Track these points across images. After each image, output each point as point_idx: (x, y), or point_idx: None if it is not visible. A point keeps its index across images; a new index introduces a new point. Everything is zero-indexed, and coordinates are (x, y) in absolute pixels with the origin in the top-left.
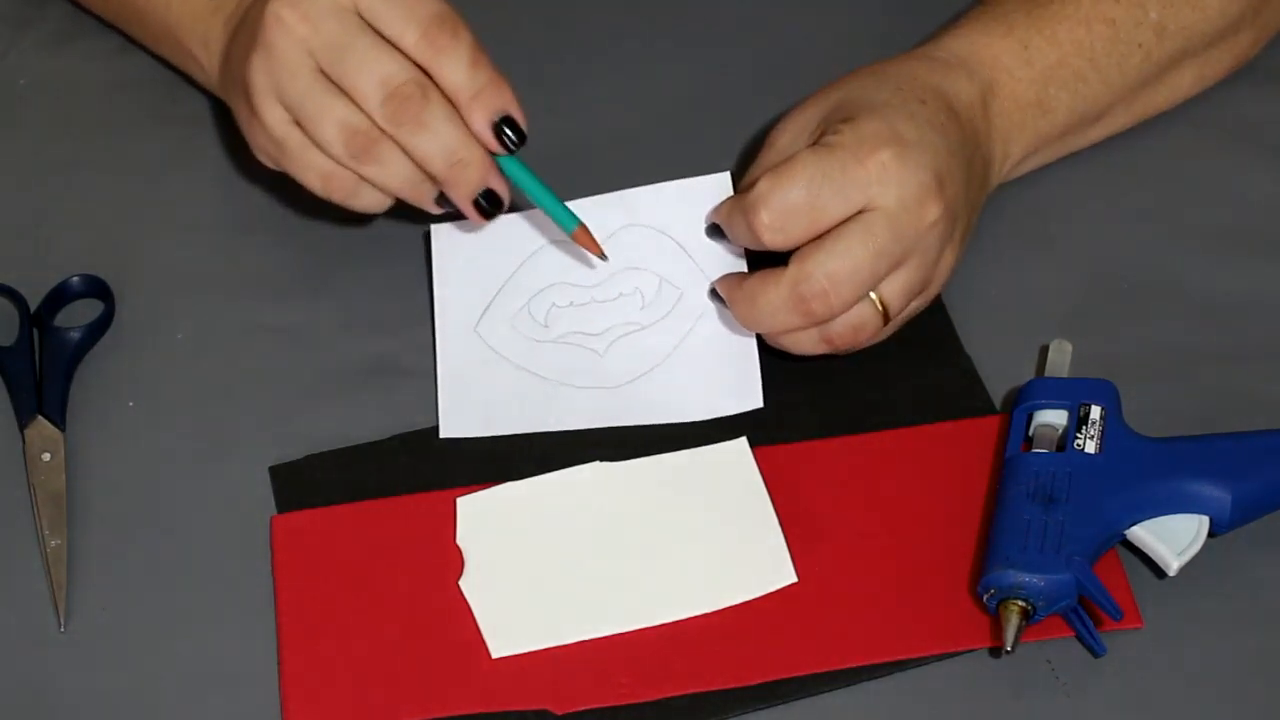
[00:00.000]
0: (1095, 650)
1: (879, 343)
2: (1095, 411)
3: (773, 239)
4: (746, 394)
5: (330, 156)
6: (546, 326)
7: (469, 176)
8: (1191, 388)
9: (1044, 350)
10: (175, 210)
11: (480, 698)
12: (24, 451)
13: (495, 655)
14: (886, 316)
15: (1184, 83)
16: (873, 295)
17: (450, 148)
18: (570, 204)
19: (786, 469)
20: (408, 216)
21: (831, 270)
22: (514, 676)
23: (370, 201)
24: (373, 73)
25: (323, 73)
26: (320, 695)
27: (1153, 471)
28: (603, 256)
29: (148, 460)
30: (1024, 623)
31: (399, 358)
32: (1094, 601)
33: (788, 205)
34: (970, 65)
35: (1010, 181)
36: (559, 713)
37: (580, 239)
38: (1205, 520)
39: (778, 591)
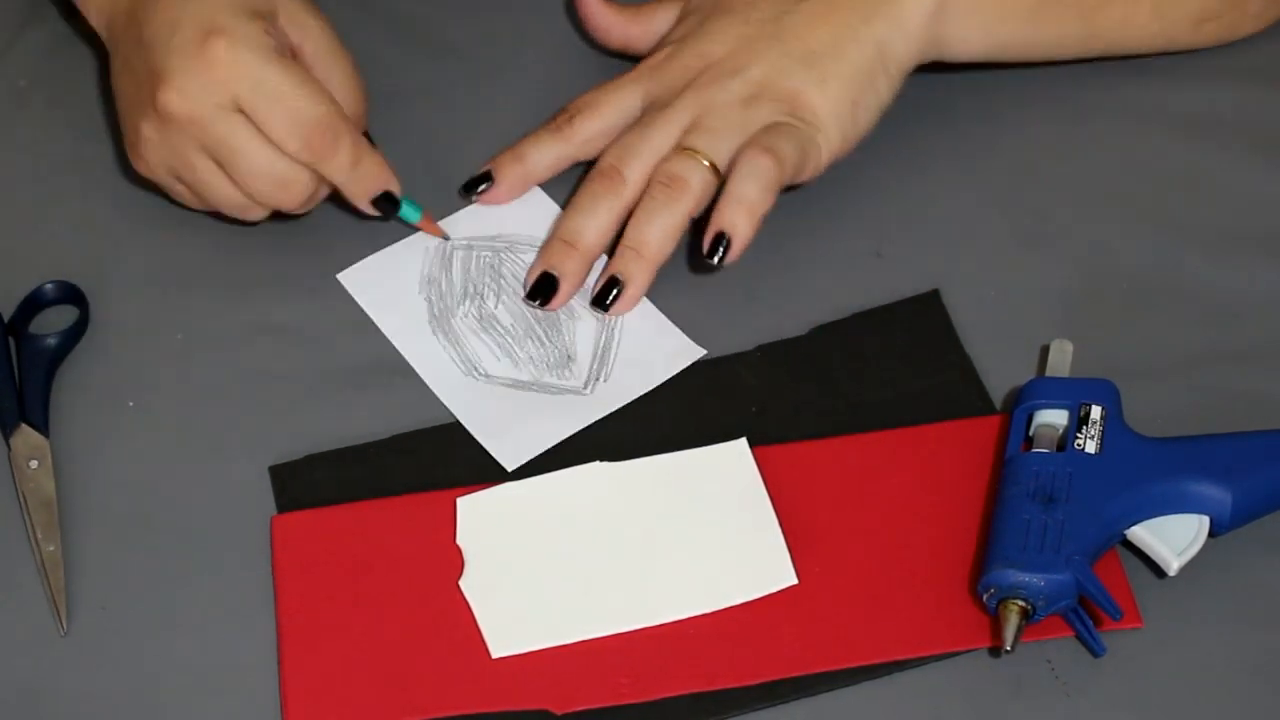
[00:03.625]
0: (1095, 650)
1: (879, 341)
2: (1095, 411)
3: (568, 130)
4: (513, 455)
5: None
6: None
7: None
8: (1191, 388)
9: (1044, 350)
10: (175, 211)
11: (480, 698)
12: (10, 460)
13: (495, 655)
14: (714, 169)
15: (1140, 12)
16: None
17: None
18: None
19: (786, 469)
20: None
21: (619, 144)
22: (514, 676)
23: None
24: (263, 175)
25: (212, 161)
26: (320, 695)
27: (1153, 471)
28: (445, 236)
29: (147, 461)
30: (1024, 623)
31: (399, 358)
32: (1094, 601)
33: (581, 102)
34: None
35: (1010, 181)
36: (559, 713)
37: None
38: (1205, 520)
39: (778, 592)
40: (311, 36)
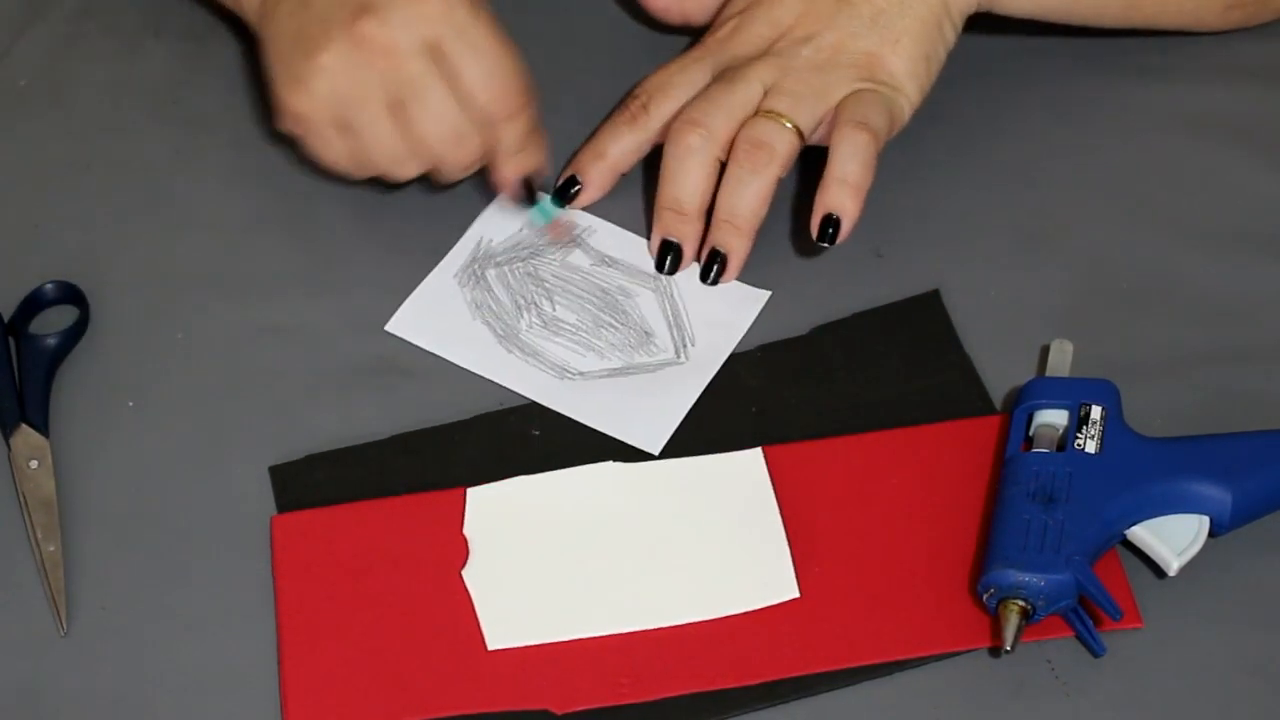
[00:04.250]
0: (1095, 650)
1: (879, 341)
2: (1096, 411)
3: (640, 116)
4: (654, 438)
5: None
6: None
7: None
8: (1191, 388)
9: (1044, 350)
10: (175, 211)
11: (481, 697)
12: (10, 460)
13: (491, 647)
14: (798, 132)
15: None
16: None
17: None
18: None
19: (786, 469)
20: (409, 217)
21: (695, 110)
22: (514, 676)
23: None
24: (443, 123)
25: (389, 103)
26: (320, 695)
27: (1153, 471)
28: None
29: (147, 461)
30: (1024, 623)
31: (399, 358)
32: (1094, 601)
33: (652, 82)
34: None
35: (1010, 181)
36: (559, 712)
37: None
38: (1205, 520)
39: None
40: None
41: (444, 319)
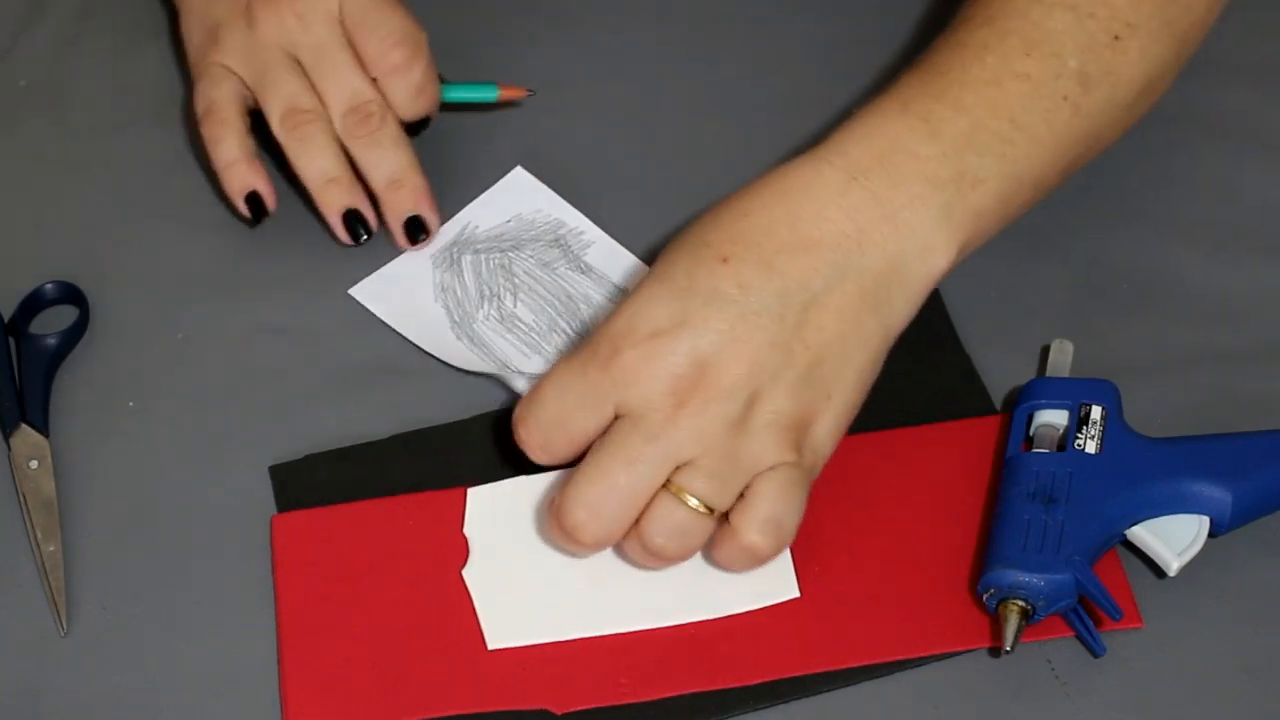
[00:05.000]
0: (1095, 650)
1: None
2: (1096, 411)
3: (542, 458)
4: None
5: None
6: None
7: (403, 199)
8: (1191, 388)
9: (1044, 350)
10: (175, 211)
11: (480, 697)
12: (10, 460)
13: (491, 646)
14: (711, 510)
15: (1115, 134)
16: (689, 499)
17: (393, 169)
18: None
19: None
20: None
21: (587, 496)
22: (514, 676)
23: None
24: (345, 84)
25: (296, 62)
26: (320, 695)
27: (1153, 471)
28: (528, 91)
29: (147, 461)
30: (1024, 623)
31: (399, 358)
32: (1094, 601)
33: (544, 421)
34: (853, 159)
35: None
36: (559, 712)
37: (505, 95)
38: (1205, 520)
39: None
40: None
41: (407, 295)
